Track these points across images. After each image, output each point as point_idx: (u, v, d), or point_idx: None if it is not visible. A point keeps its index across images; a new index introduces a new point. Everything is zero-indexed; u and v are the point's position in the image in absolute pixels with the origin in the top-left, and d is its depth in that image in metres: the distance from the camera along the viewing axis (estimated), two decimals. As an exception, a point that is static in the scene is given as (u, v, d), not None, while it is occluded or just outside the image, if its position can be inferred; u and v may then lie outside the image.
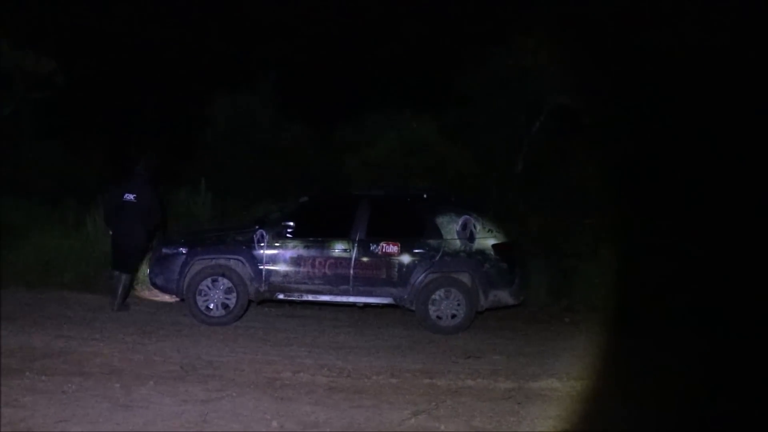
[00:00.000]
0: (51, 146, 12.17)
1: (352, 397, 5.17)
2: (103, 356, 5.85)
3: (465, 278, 7.73)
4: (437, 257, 7.69)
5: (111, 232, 7.86)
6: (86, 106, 13.36)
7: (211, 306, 7.46)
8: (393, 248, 7.67)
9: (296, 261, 7.59)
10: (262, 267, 7.54)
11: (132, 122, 13.95)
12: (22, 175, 11.42)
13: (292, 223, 7.59)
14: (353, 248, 7.62)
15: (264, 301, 7.88)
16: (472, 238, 7.75)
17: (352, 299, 7.75)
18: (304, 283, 7.60)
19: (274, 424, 4.50)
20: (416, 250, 7.68)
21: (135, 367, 5.61)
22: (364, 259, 7.62)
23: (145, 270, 8.33)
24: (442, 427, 4.62)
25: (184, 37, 14.30)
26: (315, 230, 7.69)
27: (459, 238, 7.74)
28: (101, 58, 13.95)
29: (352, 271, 7.59)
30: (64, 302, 8.02)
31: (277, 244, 7.59)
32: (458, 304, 7.65)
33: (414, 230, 7.81)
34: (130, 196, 7.61)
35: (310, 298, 7.71)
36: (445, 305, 7.65)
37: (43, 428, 4.20)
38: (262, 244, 7.56)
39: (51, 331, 6.59)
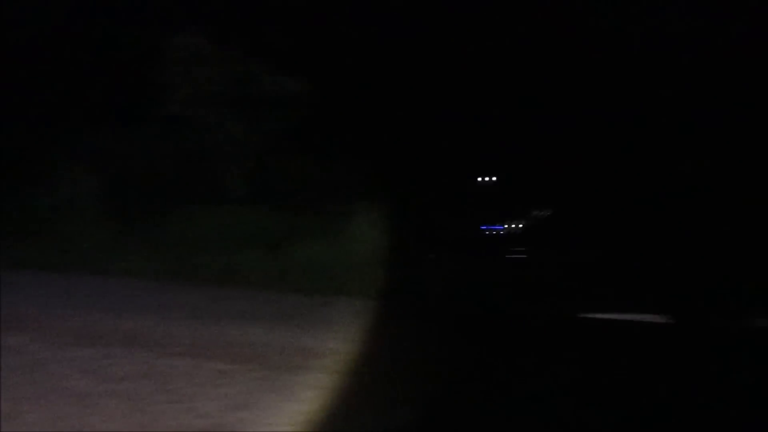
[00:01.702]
0: (308, 160, 12.84)
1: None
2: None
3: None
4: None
5: None
6: (339, 123, 13.82)
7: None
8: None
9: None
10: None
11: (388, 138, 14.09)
12: (285, 188, 12.19)
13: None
14: None
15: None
16: None
17: None
18: None
19: None
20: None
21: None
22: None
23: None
24: None
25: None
26: None
27: None
28: (348, 74, 14.38)
29: None
30: (333, 306, 8.32)
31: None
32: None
33: None
34: None
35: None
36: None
37: None
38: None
39: (321, 334, 6.81)
